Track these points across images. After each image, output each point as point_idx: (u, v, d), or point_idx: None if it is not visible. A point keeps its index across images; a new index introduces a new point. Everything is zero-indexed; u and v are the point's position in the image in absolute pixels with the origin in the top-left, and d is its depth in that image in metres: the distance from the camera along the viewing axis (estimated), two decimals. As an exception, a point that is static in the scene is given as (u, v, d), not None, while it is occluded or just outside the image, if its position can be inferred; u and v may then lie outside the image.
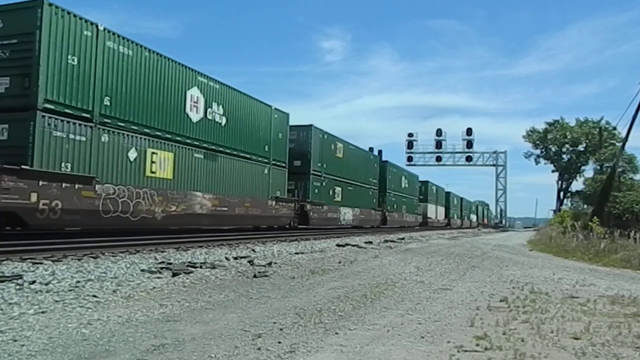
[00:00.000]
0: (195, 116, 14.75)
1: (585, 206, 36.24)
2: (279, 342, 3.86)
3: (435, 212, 51.09)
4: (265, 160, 18.71)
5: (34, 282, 5.87)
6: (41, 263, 7.43)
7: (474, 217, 76.66)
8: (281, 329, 4.28)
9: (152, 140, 13.06)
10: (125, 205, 11.90)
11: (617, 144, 37.85)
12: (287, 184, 20.73)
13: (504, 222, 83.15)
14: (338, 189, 25.60)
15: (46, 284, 5.80)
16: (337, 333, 4.25)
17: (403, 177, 39.70)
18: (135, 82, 12.57)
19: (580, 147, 55.62)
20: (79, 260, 8.11)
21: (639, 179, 33.71)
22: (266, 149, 18.73)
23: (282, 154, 20.11)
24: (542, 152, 59.13)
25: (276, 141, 19.51)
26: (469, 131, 65.49)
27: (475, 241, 25.17)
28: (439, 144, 65.64)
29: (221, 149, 15.96)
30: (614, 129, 43.78)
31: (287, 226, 20.77)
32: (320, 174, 23.14)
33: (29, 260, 7.67)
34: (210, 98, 15.45)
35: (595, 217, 21.29)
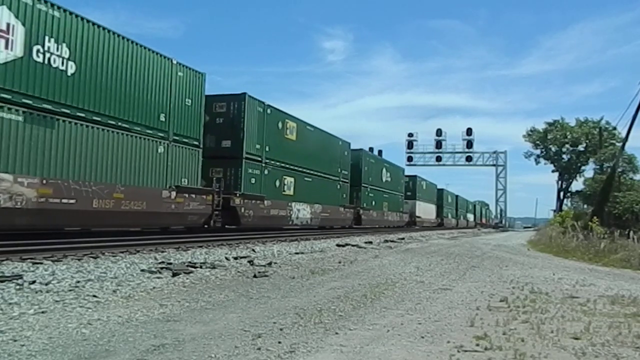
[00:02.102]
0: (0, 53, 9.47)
1: (585, 206, 36.24)
2: (279, 342, 3.86)
3: (426, 210, 46.45)
4: (160, 134, 13.29)
5: (34, 282, 5.87)
6: (41, 263, 7.43)
7: (471, 217, 74.05)
8: (281, 329, 4.28)
9: None
10: None
11: (617, 144, 37.86)
12: (212, 171, 16.28)
13: (504, 222, 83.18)
14: (289, 180, 20.20)
15: (46, 284, 5.80)
16: (337, 333, 4.25)
17: (384, 170, 34.07)
18: None
19: (580, 147, 55.67)
20: (79, 260, 8.11)
21: (639, 179, 33.71)
22: (162, 118, 13.35)
23: (193, 127, 14.67)
24: (542, 152, 59.22)
25: (181, 109, 14.13)
26: (469, 131, 65.58)
27: (475, 241, 25.16)
28: (439, 144, 65.68)
29: (66, 110, 10.69)
30: (614, 129, 43.86)
31: (206, 226, 15.39)
32: (259, 158, 17.94)
33: (29, 260, 7.67)
34: (40, 30, 10.19)
35: (595, 217, 21.31)
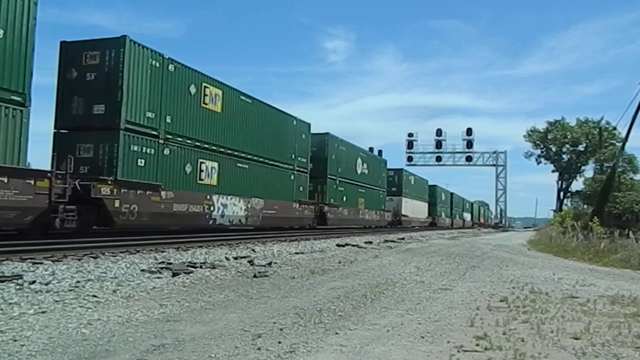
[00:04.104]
0: None
1: (585, 206, 36.24)
2: (279, 342, 3.86)
3: (414, 208, 41.38)
4: None
5: (34, 282, 5.87)
6: (41, 263, 7.44)
7: (468, 216, 71.67)
8: (281, 329, 4.28)
9: None
10: None
11: (617, 144, 37.87)
12: (80, 148, 12.08)
13: (503, 222, 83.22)
14: (209, 165, 15.34)
15: (46, 284, 5.81)
16: (337, 333, 4.25)
17: (359, 160, 28.87)
18: None
19: (581, 147, 55.70)
20: (79, 260, 8.11)
21: (639, 179, 33.74)
22: None
23: (9, 74, 9.42)
24: (542, 152, 59.24)
25: None
26: (469, 131, 65.61)
27: (475, 241, 25.16)
28: (439, 144, 65.69)
29: None
30: (614, 129, 43.85)
31: (51, 229, 10.50)
32: (154, 132, 13.22)
33: (29, 260, 7.68)
34: None
35: (595, 217, 21.31)
